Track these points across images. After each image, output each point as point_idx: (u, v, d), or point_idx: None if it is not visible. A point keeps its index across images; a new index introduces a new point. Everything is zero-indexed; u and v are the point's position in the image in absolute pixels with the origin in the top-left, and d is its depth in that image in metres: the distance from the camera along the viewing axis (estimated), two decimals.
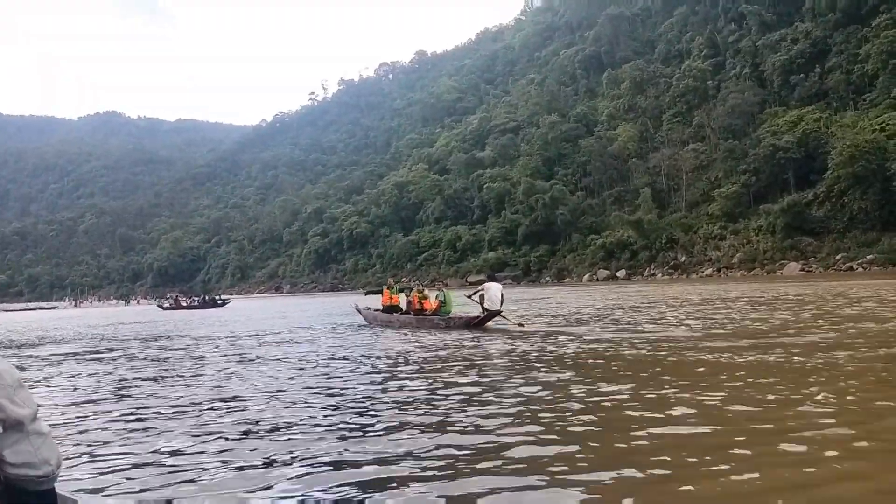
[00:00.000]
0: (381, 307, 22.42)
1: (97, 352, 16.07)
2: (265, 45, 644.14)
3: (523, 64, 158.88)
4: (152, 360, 13.32)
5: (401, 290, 22.55)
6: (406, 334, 17.46)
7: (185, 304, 62.45)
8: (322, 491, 4.46)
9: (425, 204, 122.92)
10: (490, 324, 18.08)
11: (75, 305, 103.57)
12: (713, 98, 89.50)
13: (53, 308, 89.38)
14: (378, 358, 12.08)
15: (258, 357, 13.01)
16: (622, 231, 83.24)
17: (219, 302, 63.24)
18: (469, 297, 19.19)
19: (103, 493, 4.63)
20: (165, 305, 64.11)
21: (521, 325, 17.30)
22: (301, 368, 10.81)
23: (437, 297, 20.03)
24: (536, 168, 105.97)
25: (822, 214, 64.37)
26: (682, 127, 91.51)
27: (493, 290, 18.05)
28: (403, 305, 21.55)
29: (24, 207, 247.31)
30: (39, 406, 1.95)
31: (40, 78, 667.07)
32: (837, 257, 58.86)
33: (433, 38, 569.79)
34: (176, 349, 15.86)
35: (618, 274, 79.34)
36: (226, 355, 13.64)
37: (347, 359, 12.06)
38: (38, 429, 1.89)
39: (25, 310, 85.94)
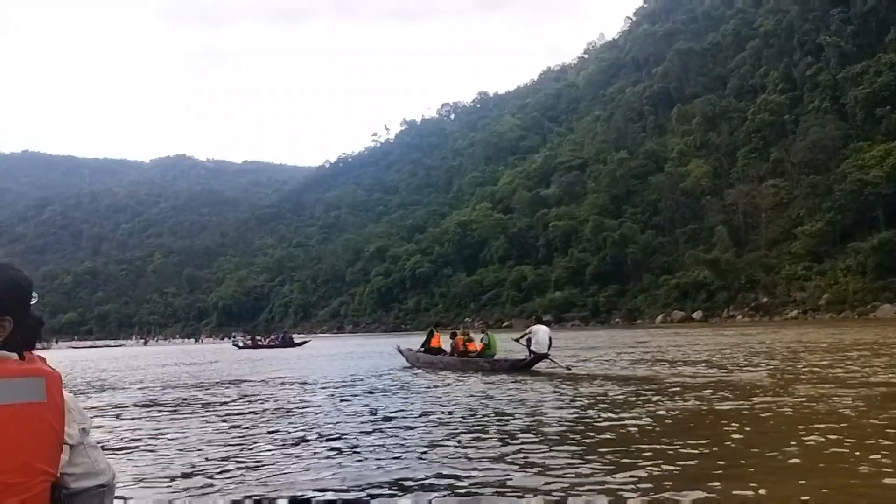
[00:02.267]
0: (422, 349, 22.39)
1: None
2: (329, 88, 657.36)
3: (588, 101, 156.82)
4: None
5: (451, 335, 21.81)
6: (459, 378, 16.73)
7: (262, 343, 59.81)
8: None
9: (489, 243, 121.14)
10: (540, 366, 17.71)
11: (144, 343, 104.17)
12: (791, 133, 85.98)
13: (121, 346, 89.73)
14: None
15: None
16: (697, 271, 79.88)
17: (296, 342, 59.00)
18: (517, 340, 18.97)
19: None
20: (241, 344, 61.33)
21: (568, 367, 17.04)
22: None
23: (481, 340, 19.75)
24: (604, 206, 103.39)
25: None
26: (758, 163, 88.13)
27: (541, 333, 17.92)
28: (447, 347, 21.27)
29: (96, 247, 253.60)
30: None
31: (114, 121, 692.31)
32: None
33: (495, 79, 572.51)
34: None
35: (693, 315, 75.94)
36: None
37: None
38: (91, 441, 1.94)
39: (93, 347, 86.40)
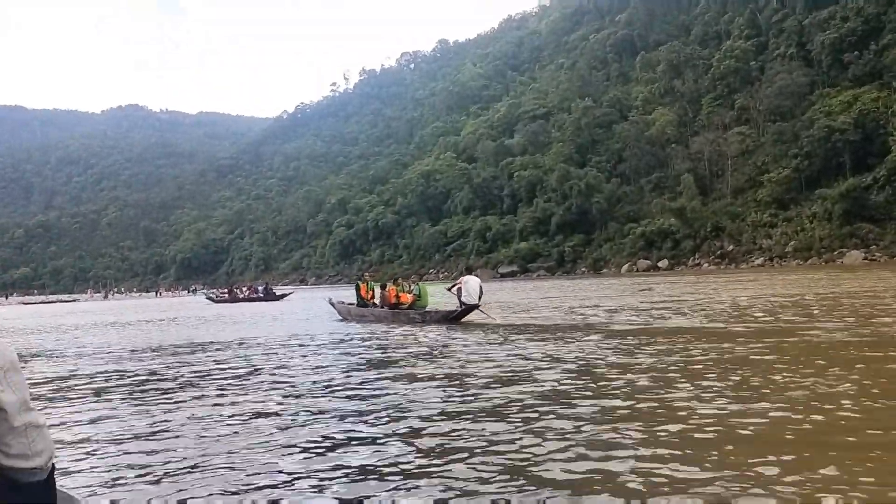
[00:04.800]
0: (354, 301, 22.21)
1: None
2: (285, 36, 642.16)
3: (551, 50, 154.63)
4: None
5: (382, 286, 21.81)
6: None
7: (241, 295, 52.84)
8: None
9: (453, 193, 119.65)
10: (470, 317, 17.56)
11: (105, 297, 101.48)
12: (757, 80, 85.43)
13: (75, 300, 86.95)
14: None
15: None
16: (663, 219, 79.62)
17: (278, 295, 52.91)
18: (448, 289, 19.14)
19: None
20: (215, 297, 54.62)
21: (495, 319, 17.06)
22: None
23: (412, 291, 19.60)
24: (569, 155, 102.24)
25: (882, 199, 60.52)
26: (723, 110, 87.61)
27: (472, 283, 17.81)
28: (377, 300, 21.13)
29: (48, 201, 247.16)
30: None
31: (64, 71, 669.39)
32: None
33: (455, 27, 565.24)
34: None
35: (659, 264, 75.91)
36: None
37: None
38: (32, 420, 1.81)
39: (45, 302, 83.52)
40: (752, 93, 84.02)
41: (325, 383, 8.69)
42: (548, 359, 9.78)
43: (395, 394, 7.74)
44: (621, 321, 15.44)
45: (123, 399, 8.31)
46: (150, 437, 6.13)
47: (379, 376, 9.18)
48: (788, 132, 73.16)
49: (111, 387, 9.37)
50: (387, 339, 14.39)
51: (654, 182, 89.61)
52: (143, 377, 10.18)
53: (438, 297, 21.02)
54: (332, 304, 23.44)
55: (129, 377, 10.27)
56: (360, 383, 8.68)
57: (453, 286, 18.65)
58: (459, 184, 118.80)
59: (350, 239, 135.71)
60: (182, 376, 9.97)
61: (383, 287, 21.13)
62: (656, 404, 6.36)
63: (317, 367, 10.33)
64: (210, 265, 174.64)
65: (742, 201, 75.37)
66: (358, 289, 22.34)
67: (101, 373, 10.86)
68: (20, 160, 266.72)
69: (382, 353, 12.17)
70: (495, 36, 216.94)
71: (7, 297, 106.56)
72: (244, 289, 58.20)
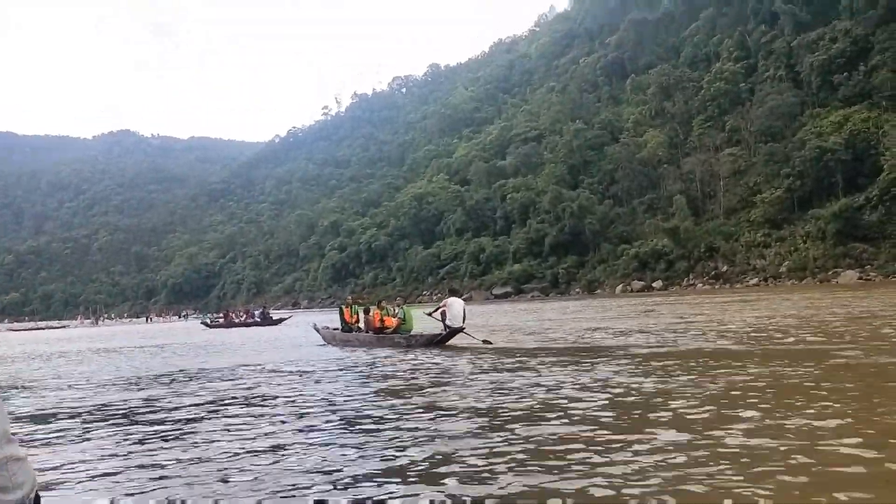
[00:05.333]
0: (339, 326, 21.93)
1: None
2: (277, 61, 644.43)
3: (541, 73, 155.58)
4: None
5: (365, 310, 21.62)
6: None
7: (237, 320, 51.09)
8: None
9: (446, 216, 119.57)
10: (454, 341, 17.39)
11: (94, 323, 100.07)
12: (747, 101, 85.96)
13: (64, 326, 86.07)
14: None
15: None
16: (656, 240, 79.59)
17: (275, 319, 50.38)
18: (429, 314, 18.83)
19: None
20: (210, 322, 53.03)
21: (486, 341, 16.66)
22: None
23: (395, 315, 19.36)
24: (561, 176, 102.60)
25: (875, 219, 60.48)
26: (714, 132, 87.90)
27: (456, 306, 17.69)
28: (362, 324, 20.90)
29: (39, 226, 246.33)
30: None
31: (54, 98, 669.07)
32: None
33: (446, 52, 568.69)
34: None
35: (654, 285, 75.77)
36: None
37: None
38: (12, 453, 1.76)
39: (35, 329, 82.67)
40: (742, 114, 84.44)
41: (338, 414, 8.45)
42: (578, 387, 9.19)
43: (429, 434, 6.90)
44: (640, 344, 15.05)
45: (112, 435, 8.02)
46: (144, 477, 5.81)
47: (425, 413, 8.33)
48: (780, 153, 73.43)
49: (96, 421, 9.07)
50: (396, 366, 13.87)
51: (646, 203, 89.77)
52: (134, 409, 9.89)
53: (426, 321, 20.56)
54: (317, 330, 22.97)
55: (115, 410, 9.95)
56: (391, 420, 8.06)
57: (436, 310, 18.44)
58: (452, 206, 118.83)
59: (343, 262, 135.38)
60: (175, 409, 9.65)
61: (367, 311, 20.90)
62: (739, 439, 5.84)
63: (330, 397, 10.03)
64: (201, 290, 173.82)
65: (735, 221, 75.46)
66: (342, 313, 22.04)
67: (86, 407, 10.51)
68: (10, 185, 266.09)
69: (404, 382, 11.41)
70: (486, 60, 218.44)
71: None
72: (241, 313, 56.87)
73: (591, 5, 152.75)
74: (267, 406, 9.28)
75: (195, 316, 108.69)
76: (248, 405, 9.39)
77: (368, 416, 8.03)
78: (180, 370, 15.65)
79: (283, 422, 7.90)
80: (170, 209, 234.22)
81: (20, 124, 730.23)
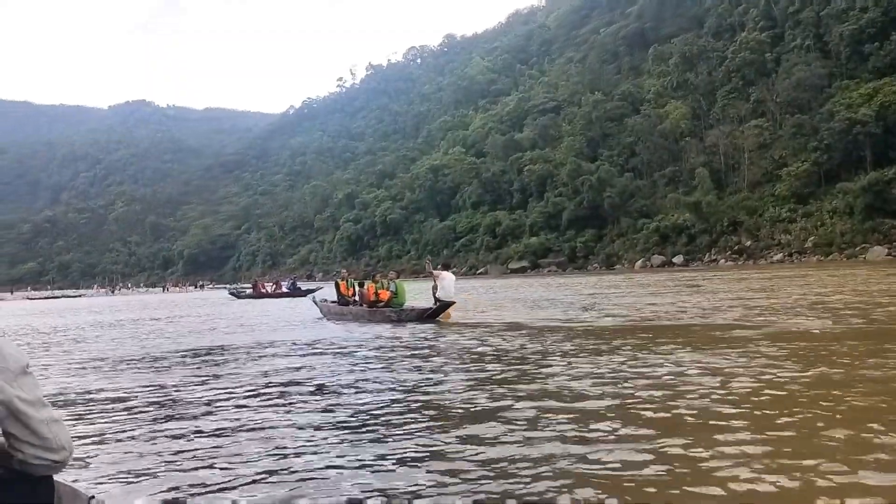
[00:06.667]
0: (335, 299, 22.58)
1: None
2: (292, 31, 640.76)
3: (560, 43, 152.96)
4: None
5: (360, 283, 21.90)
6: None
7: (267, 290, 50.28)
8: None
9: (462, 188, 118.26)
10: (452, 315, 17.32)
11: (111, 292, 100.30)
12: (773, 72, 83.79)
13: (80, 296, 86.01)
14: None
15: None
16: (677, 214, 78.13)
17: (303, 290, 49.19)
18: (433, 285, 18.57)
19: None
20: (238, 292, 52.68)
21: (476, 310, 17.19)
22: None
23: (388, 288, 19.38)
24: (580, 149, 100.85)
25: None
26: (739, 103, 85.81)
27: (448, 280, 17.61)
28: (357, 297, 21.25)
29: (55, 196, 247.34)
30: None
31: (70, 66, 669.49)
32: None
33: (462, 22, 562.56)
34: None
35: (674, 260, 74.53)
36: None
37: None
38: (49, 415, 1.89)
39: (50, 297, 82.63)
40: (768, 85, 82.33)
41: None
42: (708, 373, 7.78)
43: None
44: (727, 320, 13.60)
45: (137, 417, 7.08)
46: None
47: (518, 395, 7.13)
48: (807, 125, 71.54)
49: (127, 406, 8.14)
50: (441, 345, 12.36)
51: (667, 176, 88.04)
52: (160, 395, 8.92)
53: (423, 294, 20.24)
54: (316, 303, 23.32)
55: (133, 394, 8.99)
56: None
57: (434, 282, 18.31)
58: (468, 178, 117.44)
59: (357, 234, 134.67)
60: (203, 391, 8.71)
61: (361, 285, 21.20)
62: None
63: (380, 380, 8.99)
64: (217, 260, 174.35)
65: (759, 195, 73.82)
66: (338, 286, 22.71)
67: (98, 389, 9.57)
68: (26, 155, 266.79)
69: (463, 364, 9.74)
70: (503, 30, 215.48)
71: (12, 293, 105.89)
72: (270, 284, 55.94)
73: None
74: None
75: (211, 286, 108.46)
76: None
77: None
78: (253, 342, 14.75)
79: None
80: (185, 180, 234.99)
81: (36, 94, 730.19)
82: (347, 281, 22.59)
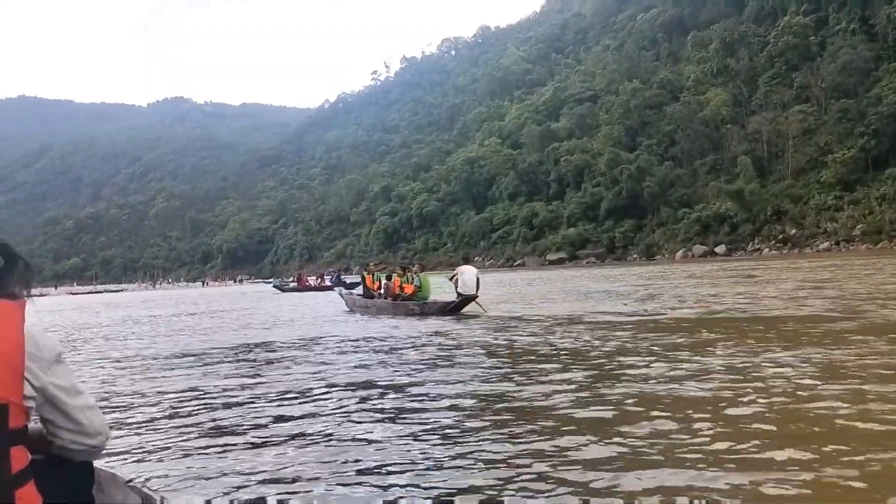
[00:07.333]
0: (361, 292, 22.81)
1: None
2: (328, 26, 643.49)
3: (597, 31, 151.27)
4: None
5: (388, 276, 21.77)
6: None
7: (311, 283, 50.19)
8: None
9: (498, 179, 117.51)
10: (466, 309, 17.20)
11: (153, 287, 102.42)
12: (818, 56, 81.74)
13: (122, 290, 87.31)
14: None
15: None
16: (719, 203, 76.68)
17: (348, 283, 46.16)
18: (450, 279, 18.43)
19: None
20: (281, 285, 52.80)
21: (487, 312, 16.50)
22: None
23: (413, 282, 19.35)
24: (618, 138, 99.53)
25: None
26: (782, 88, 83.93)
27: (468, 274, 17.43)
28: (383, 290, 21.21)
29: (97, 192, 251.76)
30: None
31: (110, 64, 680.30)
32: None
33: (496, 13, 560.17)
34: None
35: (716, 250, 73.12)
36: None
37: None
38: (85, 402, 1.96)
39: (93, 292, 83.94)
40: (812, 70, 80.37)
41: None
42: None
43: None
44: (816, 310, 12.39)
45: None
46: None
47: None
48: (854, 110, 69.68)
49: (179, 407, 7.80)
50: (500, 342, 11.03)
51: (708, 164, 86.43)
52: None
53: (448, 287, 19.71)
54: (342, 296, 23.87)
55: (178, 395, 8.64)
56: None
57: (451, 276, 18.21)
58: (504, 170, 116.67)
59: (394, 227, 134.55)
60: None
61: (388, 278, 21.14)
62: None
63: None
64: (255, 255, 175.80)
65: (804, 183, 72.09)
66: (363, 280, 23.07)
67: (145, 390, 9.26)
68: (69, 153, 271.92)
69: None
70: (537, 20, 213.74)
71: (56, 288, 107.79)
72: (314, 277, 56.11)
73: None
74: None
75: (250, 280, 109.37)
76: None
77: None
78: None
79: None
80: (222, 175, 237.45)
81: (78, 92, 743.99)
82: (374, 275, 22.78)
